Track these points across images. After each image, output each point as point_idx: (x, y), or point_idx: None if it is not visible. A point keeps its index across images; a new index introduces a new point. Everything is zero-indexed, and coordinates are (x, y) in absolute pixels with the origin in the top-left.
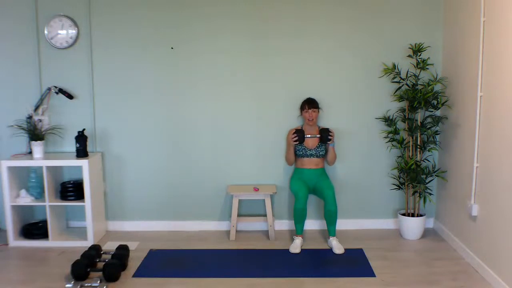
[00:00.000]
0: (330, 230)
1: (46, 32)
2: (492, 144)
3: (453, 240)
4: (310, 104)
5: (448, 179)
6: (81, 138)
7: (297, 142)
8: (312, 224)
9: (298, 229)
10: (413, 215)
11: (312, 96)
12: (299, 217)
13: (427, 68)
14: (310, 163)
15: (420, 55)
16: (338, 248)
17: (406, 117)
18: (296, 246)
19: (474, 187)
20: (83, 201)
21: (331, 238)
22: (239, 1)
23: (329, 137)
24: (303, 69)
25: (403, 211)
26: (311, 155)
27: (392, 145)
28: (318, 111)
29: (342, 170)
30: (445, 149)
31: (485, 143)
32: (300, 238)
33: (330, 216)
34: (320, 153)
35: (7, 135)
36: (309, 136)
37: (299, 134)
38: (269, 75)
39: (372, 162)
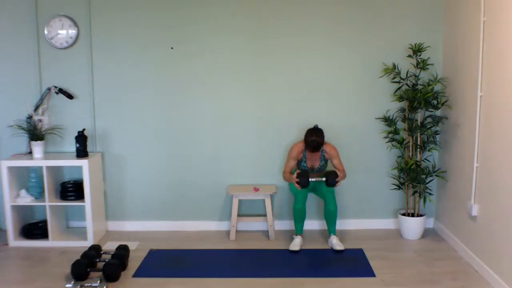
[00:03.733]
0: (330, 229)
1: (46, 32)
2: (492, 144)
3: (453, 240)
4: (314, 149)
5: (448, 179)
6: (81, 138)
7: (300, 188)
8: (312, 224)
9: (298, 229)
10: (413, 215)
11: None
12: (298, 216)
13: (427, 68)
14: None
15: (420, 55)
16: (338, 244)
17: (406, 117)
18: (295, 244)
19: (474, 187)
20: (83, 201)
21: (331, 237)
22: (239, 1)
23: (336, 183)
24: (303, 69)
25: (403, 211)
26: (314, 171)
27: (392, 145)
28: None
29: None
30: (445, 149)
31: (485, 143)
32: (300, 237)
33: (330, 216)
34: (322, 169)
35: (7, 135)
36: (314, 180)
37: (303, 179)
38: (269, 75)
39: (372, 162)
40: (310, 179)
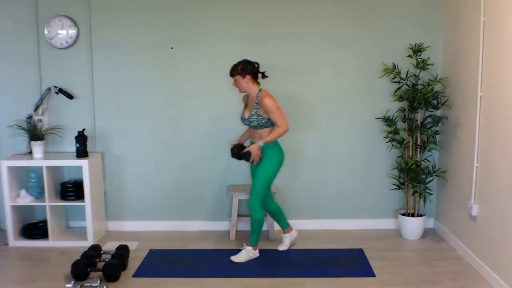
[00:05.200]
0: (251, 239)
1: (46, 32)
2: (492, 144)
3: (453, 240)
4: (230, 72)
5: (448, 179)
6: (81, 138)
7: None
8: (312, 224)
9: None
10: (413, 215)
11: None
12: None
13: (427, 68)
14: (250, 135)
15: (420, 55)
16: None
17: (406, 117)
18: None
19: (474, 187)
20: (83, 201)
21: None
22: (239, 2)
23: (239, 157)
24: (303, 69)
25: (403, 211)
26: (246, 124)
27: (392, 145)
28: (244, 76)
29: (342, 170)
30: (445, 149)
31: (485, 143)
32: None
33: (251, 224)
34: (252, 124)
35: (7, 135)
36: (245, 151)
37: (233, 150)
38: (269, 75)
39: (372, 162)
40: (240, 152)
